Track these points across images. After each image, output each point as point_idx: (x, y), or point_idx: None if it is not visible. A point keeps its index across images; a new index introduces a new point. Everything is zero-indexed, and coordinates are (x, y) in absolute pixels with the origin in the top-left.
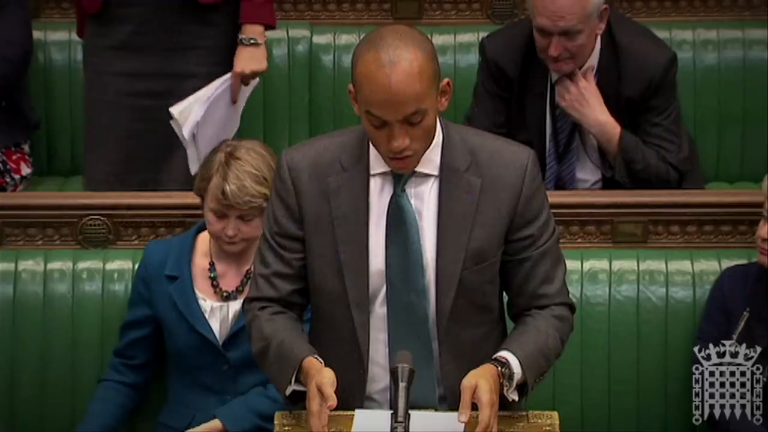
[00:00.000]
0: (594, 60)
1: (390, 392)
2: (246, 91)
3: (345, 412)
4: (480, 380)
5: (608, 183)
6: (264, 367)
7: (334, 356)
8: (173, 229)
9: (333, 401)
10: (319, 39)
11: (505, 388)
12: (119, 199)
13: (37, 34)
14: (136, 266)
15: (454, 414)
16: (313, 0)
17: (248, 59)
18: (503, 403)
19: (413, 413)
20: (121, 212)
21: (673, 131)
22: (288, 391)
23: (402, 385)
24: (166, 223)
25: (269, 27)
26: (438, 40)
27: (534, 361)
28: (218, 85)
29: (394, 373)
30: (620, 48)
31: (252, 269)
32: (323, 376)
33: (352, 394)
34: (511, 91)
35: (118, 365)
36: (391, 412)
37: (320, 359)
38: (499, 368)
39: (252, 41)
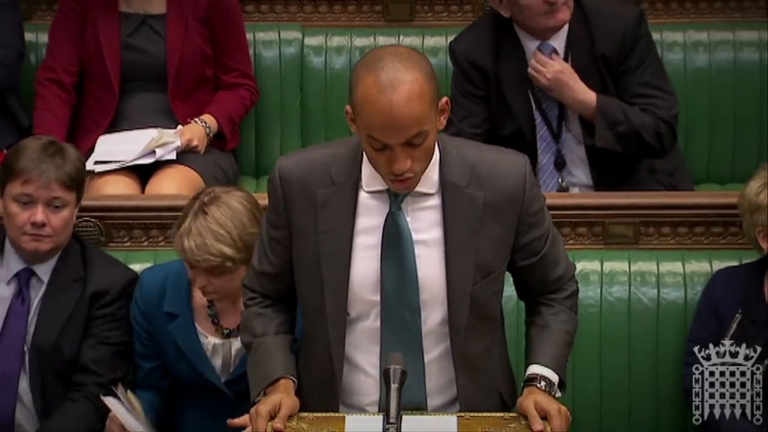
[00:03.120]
0: (564, 26)
1: (380, 399)
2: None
3: (336, 414)
4: (536, 396)
5: (597, 171)
6: (247, 356)
7: (314, 366)
8: (165, 231)
9: (281, 424)
10: (311, 41)
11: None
12: (111, 201)
13: (28, 36)
14: (135, 268)
15: (446, 416)
16: (304, 2)
17: (199, 135)
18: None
19: (405, 416)
20: (113, 214)
21: (659, 87)
22: (256, 399)
23: (394, 386)
24: (158, 225)
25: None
26: (429, 41)
27: (561, 359)
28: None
29: (386, 375)
30: (587, 9)
31: None
32: (289, 402)
33: (327, 406)
34: (488, 86)
35: (146, 388)
36: (383, 414)
37: (294, 379)
38: (539, 384)
39: (208, 129)
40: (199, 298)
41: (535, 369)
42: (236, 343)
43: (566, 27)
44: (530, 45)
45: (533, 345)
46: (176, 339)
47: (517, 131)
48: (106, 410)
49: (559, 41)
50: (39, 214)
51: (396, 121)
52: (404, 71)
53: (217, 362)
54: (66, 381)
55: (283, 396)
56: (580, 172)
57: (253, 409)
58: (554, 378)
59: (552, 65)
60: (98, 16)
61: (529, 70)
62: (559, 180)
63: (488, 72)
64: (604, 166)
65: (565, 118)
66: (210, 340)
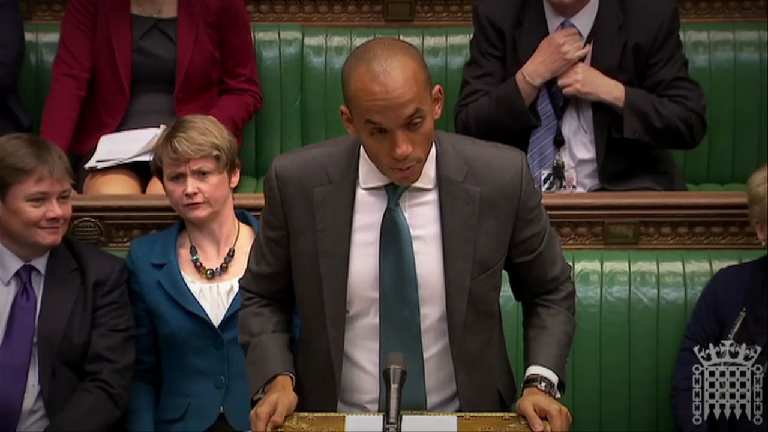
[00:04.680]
0: (593, 7)
1: (380, 397)
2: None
3: (336, 414)
4: (536, 397)
5: (604, 159)
6: (245, 356)
7: (313, 364)
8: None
9: (279, 418)
10: (311, 41)
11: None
12: (111, 201)
13: (28, 36)
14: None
15: (446, 416)
16: (304, 2)
17: None
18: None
19: (405, 415)
20: (112, 214)
21: (687, 79)
22: (255, 398)
23: (394, 386)
24: (157, 225)
25: None
26: (429, 41)
27: (560, 360)
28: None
29: (386, 375)
30: None
31: (234, 248)
32: (286, 399)
33: (326, 404)
34: (504, 47)
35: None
36: (383, 413)
37: (293, 375)
38: (539, 385)
39: None
40: (183, 252)
41: (535, 370)
42: (223, 285)
43: (594, 9)
44: (554, 21)
45: (532, 346)
46: (165, 286)
47: None
48: None
49: (584, 23)
50: (57, 208)
51: (394, 101)
52: (394, 57)
53: (207, 305)
54: (76, 369)
55: (280, 394)
56: (585, 160)
57: (252, 412)
58: (554, 379)
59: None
60: (110, 17)
61: (560, 82)
62: (556, 157)
63: (506, 34)
64: (612, 157)
65: (578, 106)
66: (197, 285)
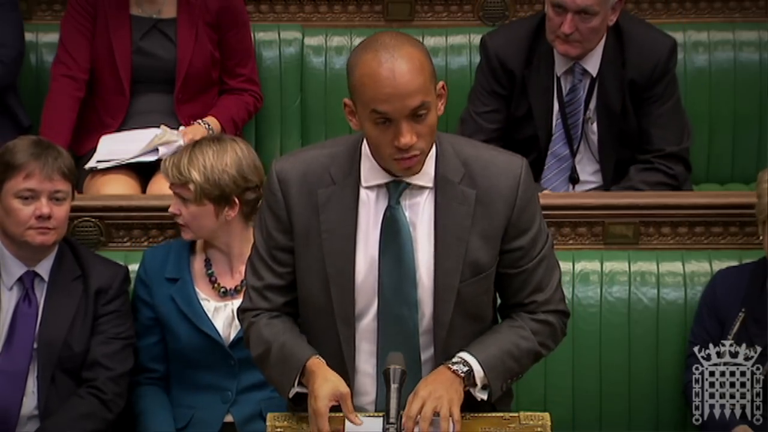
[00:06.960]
0: (599, 47)
1: (377, 399)
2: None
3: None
4: (433, 387)
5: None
6: (265, 369)
7: None
8: (165, 231)
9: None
10: (311, 41)
11: (471, 388)
12: (111, 201)
13: (28, 36)
14: (134, 269)
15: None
16: (304, 2)
17: (201, 136)
18: (473, 403)
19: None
20: (112, 214)
21: (674, 119)
22: (291, 394)
23: (394, 386)
24: (158, 225)
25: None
26: (429, 41)
27: (497, 362)
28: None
29: (386, 375)
30: (625, 34)
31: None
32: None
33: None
34: (513, 87)
35: (144, 382)
36: (383, 413)
37: (322, 359)
38: (455, 366)
39: (211, 131)
40: (198, 265)
41: (461, 354)
42: (237, 303)
43: (602, 48)
44: (562, 63)
45: (478, 338)
46: (178, 302)
47: (532, 136)
48: None
49: (593, 62)
50: (44, 206)
51: (400, 90)
52: (401, 47)
53: (219, 324)
54: (75, 377)
55: (330, 383)
56: (591, 181)
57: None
58: (478, 371)
59: None
60: (109, 18)
61: None
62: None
63: (516, 75)
64: (618, 175)
65: (588, 143)
66: (211, 304)
